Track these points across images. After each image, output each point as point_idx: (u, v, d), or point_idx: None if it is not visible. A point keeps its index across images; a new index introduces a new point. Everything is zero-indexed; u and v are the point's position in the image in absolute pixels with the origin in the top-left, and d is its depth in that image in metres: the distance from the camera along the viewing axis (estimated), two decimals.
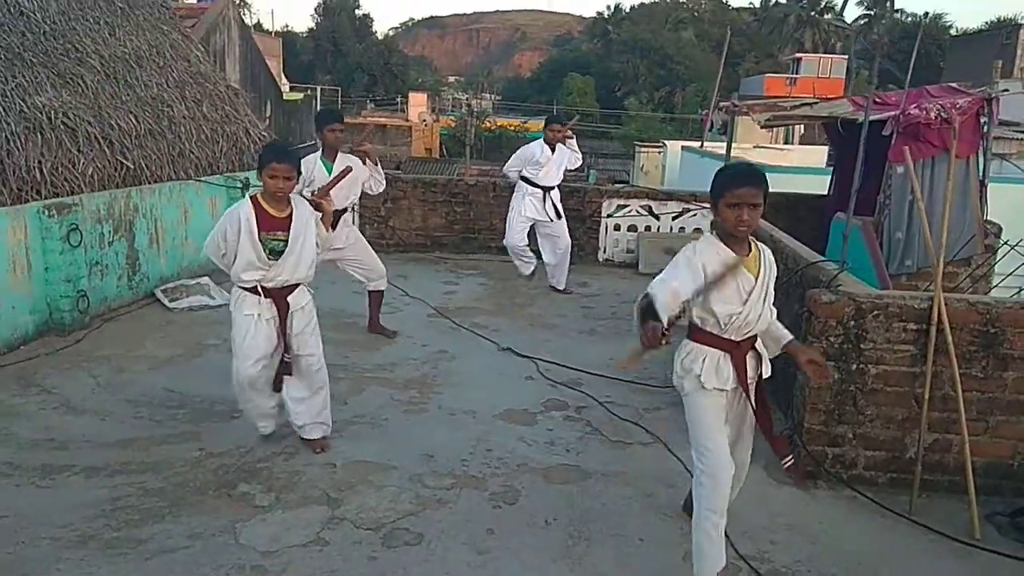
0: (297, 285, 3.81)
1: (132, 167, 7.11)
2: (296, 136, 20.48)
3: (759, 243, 2.87)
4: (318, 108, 25.23)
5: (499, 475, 3.85)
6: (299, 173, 3.70)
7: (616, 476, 3.89)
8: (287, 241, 3.66)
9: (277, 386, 3.85)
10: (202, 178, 7.73)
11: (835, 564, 3.21)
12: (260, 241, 3.62)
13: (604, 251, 9.22)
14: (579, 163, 7.65)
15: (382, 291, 5.98)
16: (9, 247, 5.27)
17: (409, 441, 4.19)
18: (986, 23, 46.65)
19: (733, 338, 2.81)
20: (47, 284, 5.58)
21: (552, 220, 7.33)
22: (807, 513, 3.61)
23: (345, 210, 5.52)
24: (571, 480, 3.84)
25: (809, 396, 3.77)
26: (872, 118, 7.13)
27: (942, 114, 6.91)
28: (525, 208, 7.30)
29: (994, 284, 7.38)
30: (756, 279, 2.78)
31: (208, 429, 4.22)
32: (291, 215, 3.68)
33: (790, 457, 3.01)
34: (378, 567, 3.04)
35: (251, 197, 3.70)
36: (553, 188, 7.35)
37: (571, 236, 7.52)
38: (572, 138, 7.41)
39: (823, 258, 4.46)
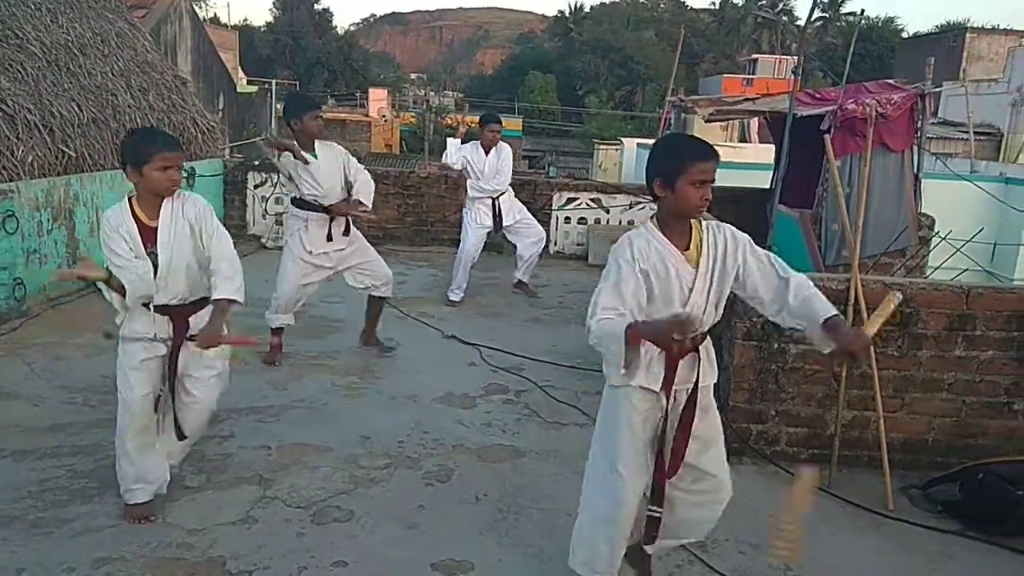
0: (202, 301, 3.14)
1: (74, 155, 7.01)
2: (248, 130, 20.27)
3: (709, 224, 2.51)
4: (273, 101, 24.95)
5: (434, 455, 3.91)
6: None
7: (549, 454, 3.97)
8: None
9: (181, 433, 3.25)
10: None
11: (752, 533, 3.32)
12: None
13: (555, 243, 9.31)
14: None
15: (387, 298, 5.47)
16: None
17: (347, 424, 4.22)
18: (936, 26, 47.93)
19: None
20: None
21: (503, 226, 6.91)
22: None
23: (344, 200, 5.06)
24: (504, 459, 3.91)
25: (733, 375, 3.90)
26: (810, 112, 7.38)
27: (877, 109, 7.15)
28: (478, 216, 6.82)
29: (927, 274, 7.64)
30: (697, 270, 2.43)
31: None
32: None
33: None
34: (305, 543, 3.08)
35: (129, 198, 3.10)
36: (503, 193, 6.83)
37: None
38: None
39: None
